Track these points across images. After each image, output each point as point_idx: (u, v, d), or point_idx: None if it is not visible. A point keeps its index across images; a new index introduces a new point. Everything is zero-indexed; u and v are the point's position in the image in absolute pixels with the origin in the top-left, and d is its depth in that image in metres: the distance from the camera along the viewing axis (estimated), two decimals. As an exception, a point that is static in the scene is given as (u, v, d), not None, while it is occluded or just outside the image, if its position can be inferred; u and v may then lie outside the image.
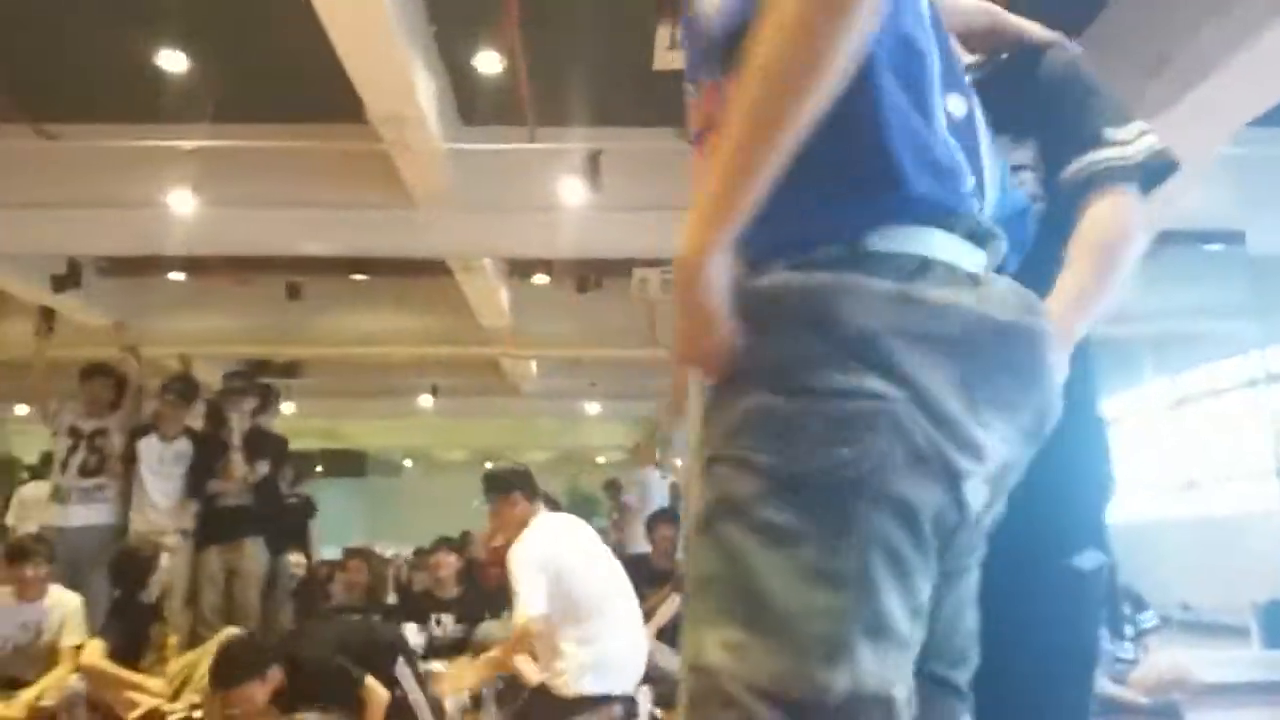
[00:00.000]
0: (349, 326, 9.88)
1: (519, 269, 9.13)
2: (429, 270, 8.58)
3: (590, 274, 8.80)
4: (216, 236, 6.88)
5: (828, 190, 0.97)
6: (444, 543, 6.46)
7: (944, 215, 0.98)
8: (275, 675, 3.52)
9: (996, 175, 1.10)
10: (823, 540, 0.89)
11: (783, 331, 0.95)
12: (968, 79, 1.12)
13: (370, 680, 3.63)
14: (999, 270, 1.07)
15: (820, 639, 0.87)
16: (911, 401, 0.91)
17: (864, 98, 0.95)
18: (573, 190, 6.28)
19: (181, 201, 6.20)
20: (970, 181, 1.02)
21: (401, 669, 3.86)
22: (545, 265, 9.05)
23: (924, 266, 0.96)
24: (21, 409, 12.97)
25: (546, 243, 7.15)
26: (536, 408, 14.32)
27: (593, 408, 13.97)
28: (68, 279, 8.28)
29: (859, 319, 0.92)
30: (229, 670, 3.50)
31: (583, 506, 13.59)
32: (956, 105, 1.05)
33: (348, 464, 16.49)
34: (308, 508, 7.16)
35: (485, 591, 5.96)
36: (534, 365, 11.89)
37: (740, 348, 0.96)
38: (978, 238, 1.02)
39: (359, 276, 9.38)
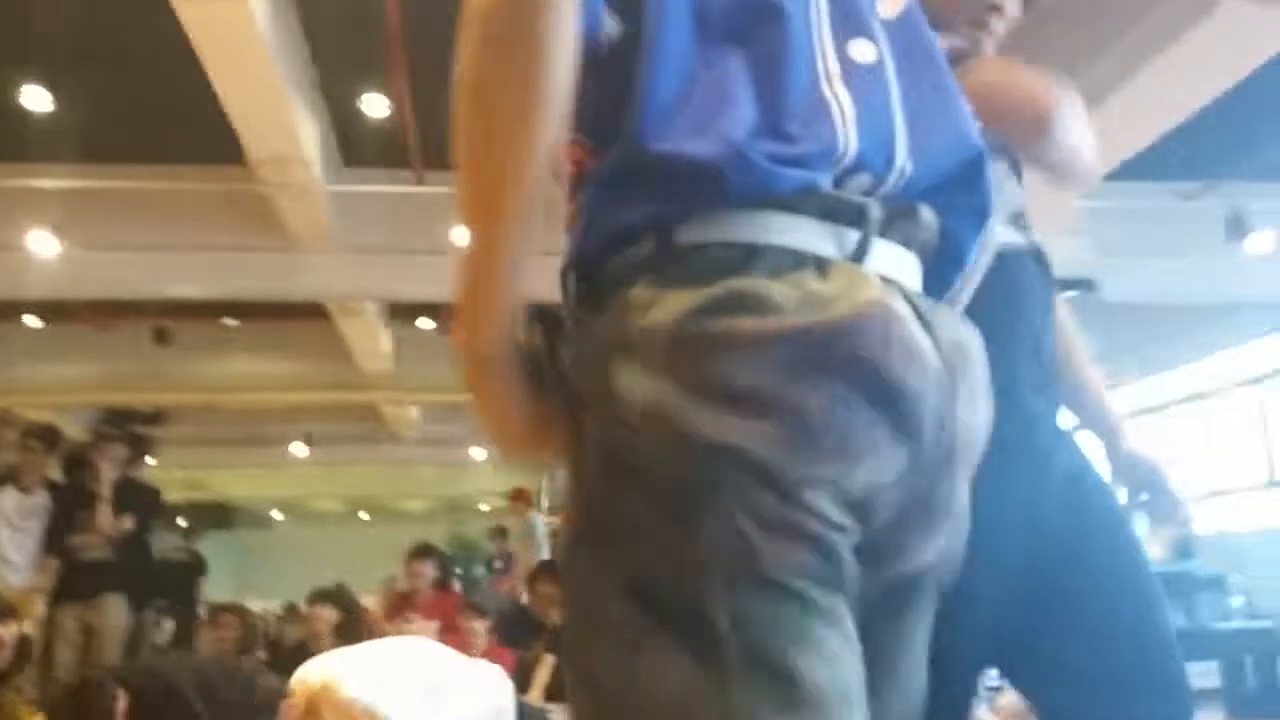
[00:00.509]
0: (219, 372, 9.56)
1: (401, 313, 9.00)
2: (306, 314, 8.38)
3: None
4: (79, 279, 6.58)
5: (628, 178, 0.82)
6: (321, 596, 6.25)
7: (787, 192, 0.80)
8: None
9: (937, 125, 0.90)
10: (687, 634, 0.75)
11: (583, 410, 0.82)
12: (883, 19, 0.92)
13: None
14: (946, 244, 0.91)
15: None
16: (736, 468, 0.75)
17: (646, 62, 0.81)
18: (462, 234, 6.23)
19: (43, 243, 5.93)
20: (847, 143, 0.82)
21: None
22: (430, 309, 8.95)
23: (748, 260, 0.78)
24: None
25: (431, 286, 7.09)
26: (418, 455, 14.05)
27: (478, 453, 13.79)
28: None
29: (649, 392, 0.76)
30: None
31: (465, 555, 13.37)
32: (862, 51, 0.88)
33: (214, 517, 15.85)
34: (198, 564, 6.86)
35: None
36: (415, 411, 11.68)
37: (554, 422, 0.85)
38: (840, 214, 0.82)
39: (231, 321, 9.08)
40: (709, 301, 0.76)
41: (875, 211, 0.83)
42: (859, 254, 0.82)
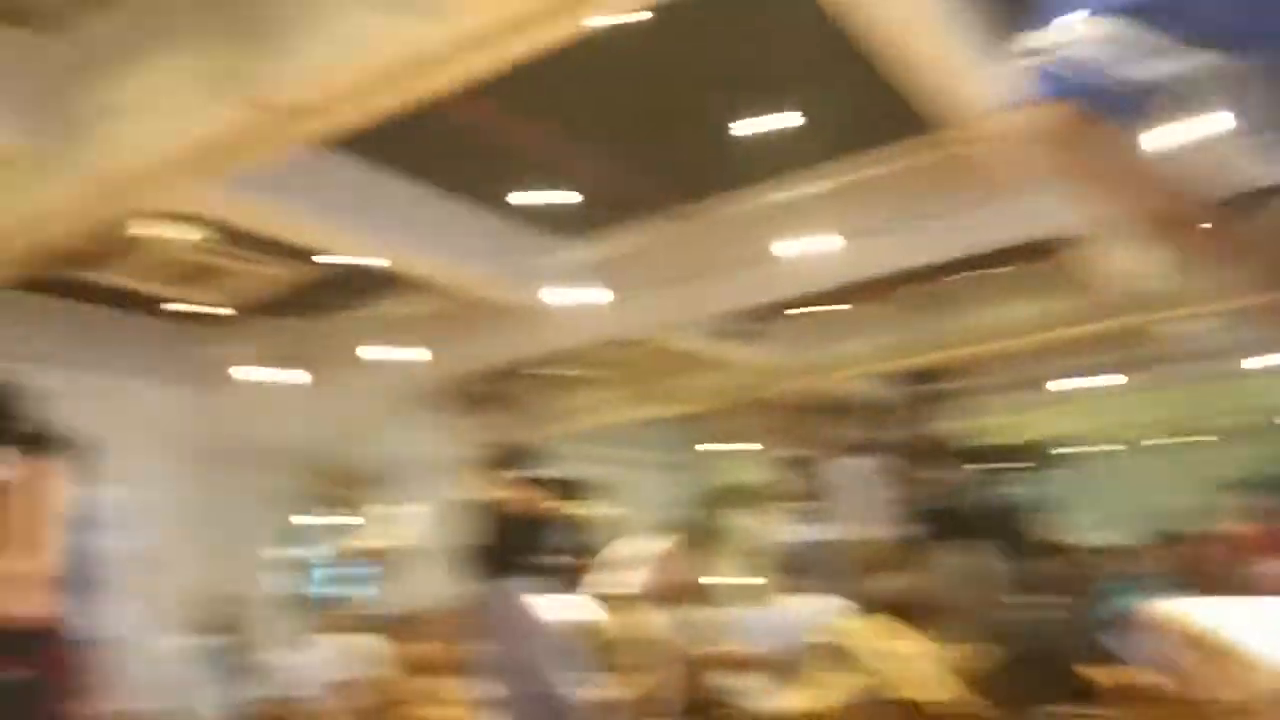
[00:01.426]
0: (997, 319, 9.78)
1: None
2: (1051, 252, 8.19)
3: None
4: (858, 263, 7.27)
5: None
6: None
7: None
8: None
9: None
10: None
11: None
12: None
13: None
14: None
15: None
16: None
17: None
18: None
19: (823, 242, 6.71)
20: None
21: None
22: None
23: None
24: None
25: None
26: (1202, 373, 12.75)
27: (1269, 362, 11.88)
28: (744, 330, 9.44)
29: None
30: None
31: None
32: None
33: (1027, 458, 16.11)
34: (1026, 506, 7.07)
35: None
36: (1190, 325, 10.54)
37: None
38: None
39: (1001, 270, 9.23)
40: None
41: None
42: None
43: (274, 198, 5.94)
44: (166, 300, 8.01)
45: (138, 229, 6.22)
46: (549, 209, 7.35)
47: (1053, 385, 12.51)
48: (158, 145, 4.89)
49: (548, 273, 7.47)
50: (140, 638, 4.83)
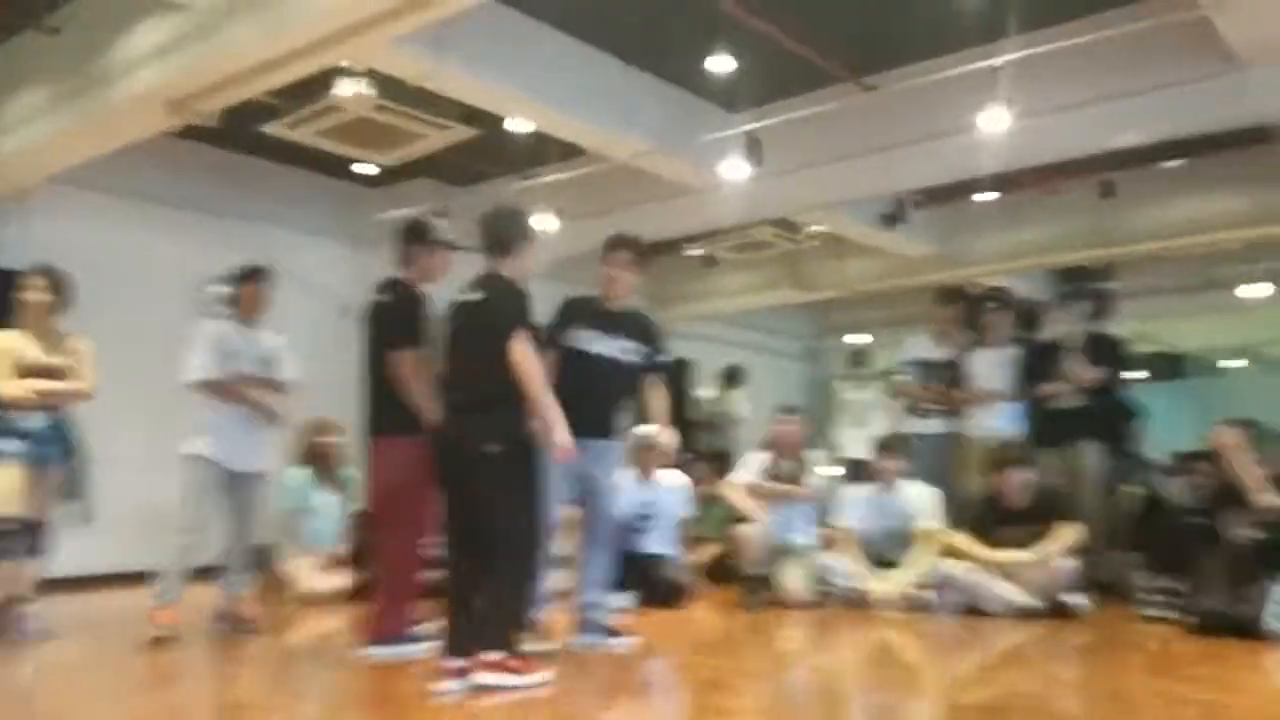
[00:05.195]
0: (1166, 218, 9.28)
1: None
2: (1259, 139, 7.66)
3: None
4: (1028, 148, 6.97)
5: None
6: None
7: None
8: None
9: None
10: None
11: None
12: None
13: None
14: None
15: None
16: None
17: None
18: None
19: (993, 120, 6.37)
20: None
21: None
22: None
23: None
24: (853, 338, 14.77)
25: None
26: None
27: None
28: (893, 216, 9.18)
29: None
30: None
31: None
32: None
33: (1167, 367, 15.51)
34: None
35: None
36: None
37: None
38: None
39: (1175, 162, 8.71)
40: None
41: None
42: None
43: (445, 56, 5.91)
44: (336, 158, 8.16)
45: (318, 83, 6.29)
46: (715, 78, 7.17)
47: (1243, 291, 11.82)
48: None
49: (706, 146, 7.32)
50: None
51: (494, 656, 3.52)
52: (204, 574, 5.14)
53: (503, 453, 3.64)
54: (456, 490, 3.76)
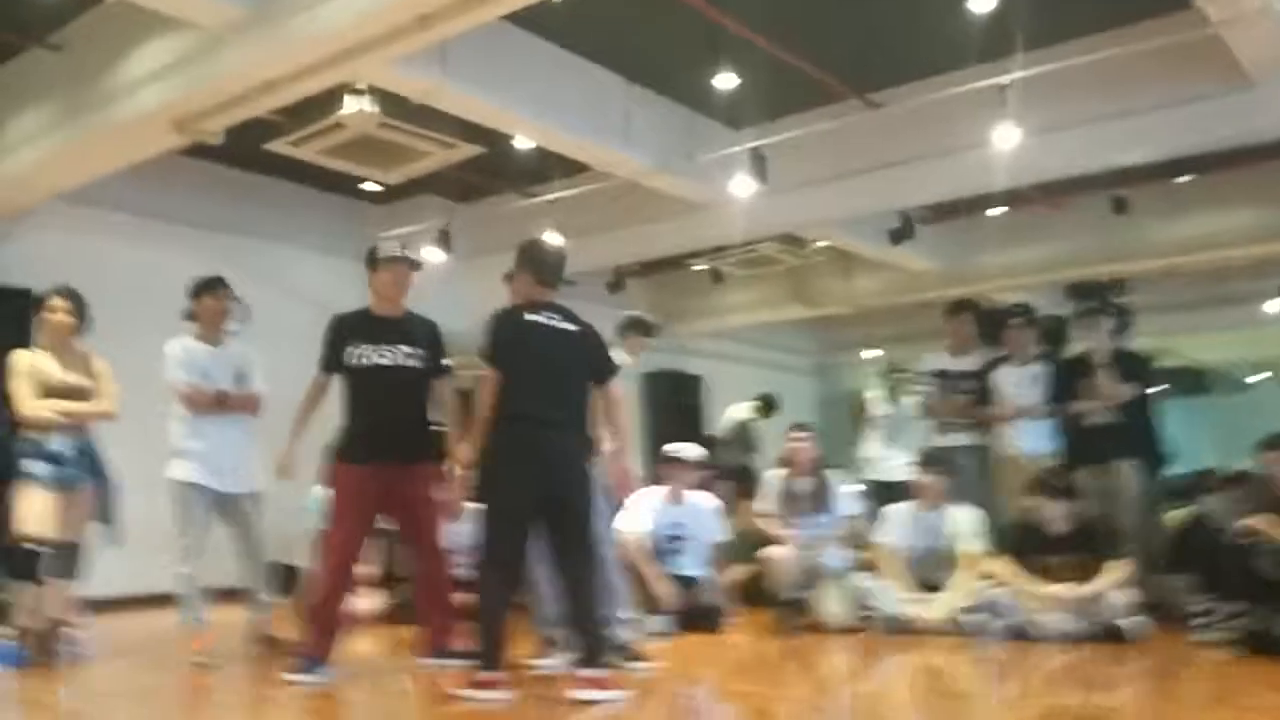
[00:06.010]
0: (1178, 233, 9.20)
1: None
2: (1269, 155, 7.59)
3: None
4: (1037, 165, 6.91)
5: None
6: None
7: None
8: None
9: None
10: None
11: None
12: None
13: None
14: None
15: None
16: None
17: None
18: None
19: (1003, 137, 6.31)
20: None
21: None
22: None
23: None
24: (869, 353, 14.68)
25: None
26: None
27: None
28: (902, 232, 9.10)
29: None
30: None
31: None
32: None
33: (1187, 382, 15.31)
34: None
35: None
36: None
37: None
38: None
39: (1186, 178, 8.64)
40: None
41: None
42: None
43: (449, 74, 5.90)
44: (341, 175, 8.15)
45: (322, 101, 6.29)
46: (719, 95, 7.14)
47: (1270, 306, 11.70)
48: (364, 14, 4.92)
49: (711, 163, 7.28)
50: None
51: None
52: (229, 596, 5.11)
53: (590, 473, 4.03)
54: (559, 505, 3.90)
